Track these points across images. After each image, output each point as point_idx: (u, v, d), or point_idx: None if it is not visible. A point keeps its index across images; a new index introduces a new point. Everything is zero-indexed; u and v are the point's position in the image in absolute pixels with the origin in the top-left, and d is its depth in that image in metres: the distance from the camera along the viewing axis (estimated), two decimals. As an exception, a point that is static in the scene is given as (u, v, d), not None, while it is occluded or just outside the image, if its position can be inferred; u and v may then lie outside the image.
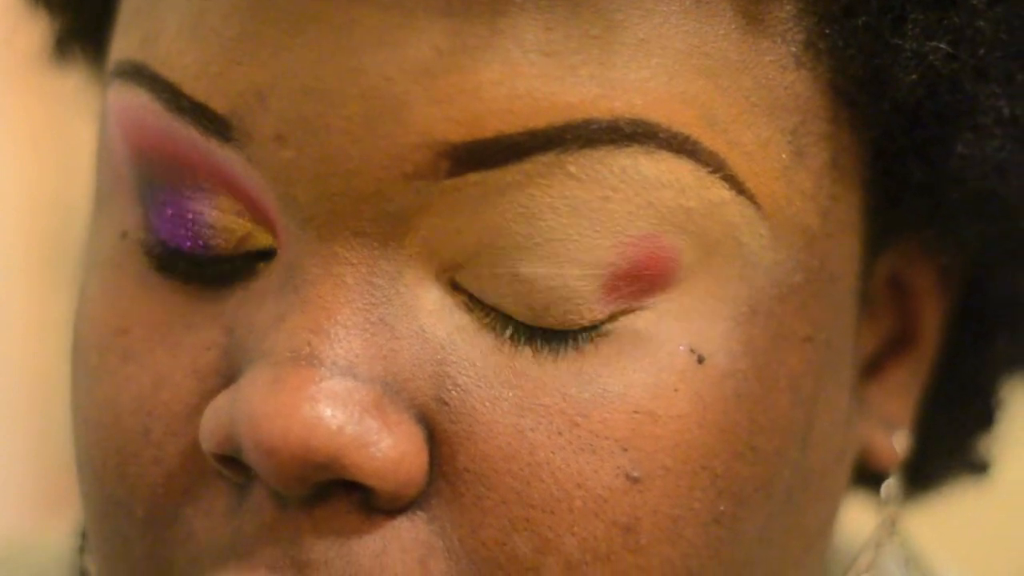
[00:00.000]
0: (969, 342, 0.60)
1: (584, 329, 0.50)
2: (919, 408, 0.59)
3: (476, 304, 0.50)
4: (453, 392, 0.50)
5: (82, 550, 0.58)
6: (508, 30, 0.48)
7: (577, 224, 0.49)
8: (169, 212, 0.52)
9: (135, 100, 0.52)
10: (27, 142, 1.56)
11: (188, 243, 0.52)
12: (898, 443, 0.58)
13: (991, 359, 0.62)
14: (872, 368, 0.58)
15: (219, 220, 0.51)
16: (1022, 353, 0.62)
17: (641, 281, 0.50)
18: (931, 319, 0.59)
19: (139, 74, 0.52)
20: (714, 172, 0.50)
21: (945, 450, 0.64)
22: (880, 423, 0.58)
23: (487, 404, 0.49)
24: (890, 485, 0.59)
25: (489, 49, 0.48)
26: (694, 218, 0.50)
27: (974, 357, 0.61)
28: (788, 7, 0.51)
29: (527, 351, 0.50)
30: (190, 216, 0.52)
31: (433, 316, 0.50)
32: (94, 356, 0.54)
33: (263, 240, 0.51)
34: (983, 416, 0.63)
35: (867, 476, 0.59)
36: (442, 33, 0.48)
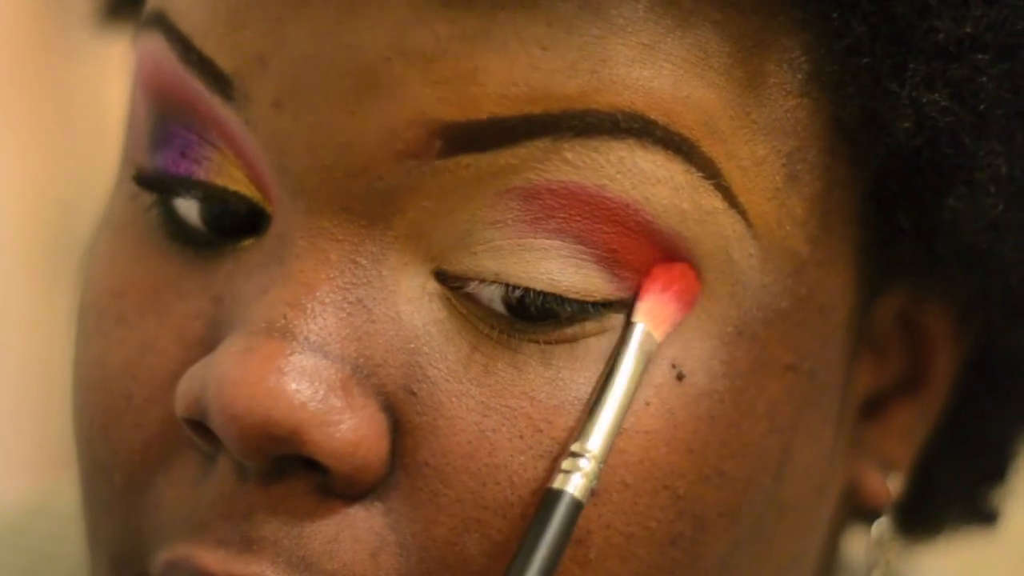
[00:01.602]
0: (983, 393, 0.60)
1: (575, 315, 0.49)
2: (927, 452, 0.59)
3: (459, 293, 0.50)
4: (422, 384, 0.50)
5: None
6: (508, 22, 0.49)
7: (576, 207, 0.49)
8: (177, 143, 0.53)
9: (155, 46, 0.53)
10: (28, 142, 1.56)
11: (186, 171, 0.52)
12: (893, 484, 0.57)
13: (1006, 412, 0.61)
14: (873, 406, 0.57)
15: (221, 161, 0.52)
16: None
17: (643, 275, 0.50)
18: (943, 365, 0.58)
19: (159, 22, 0.53)
20: (708, 179, 0.50)
21: (952, 497, 0.63)
22: (875, 462, 0.57)
23: (453, 399, 0.50)
24: (881, 524, 0.58)
25: (488, 39, 0.49)
26: (688, 223, 0.50)
27: (988, 408, 0.60)
28: (796, 37, 0.51)
29: (505, 350, 0.50)
30: (195, 149, 0.52)
31: (412, 304, 0.50)
32: (92, 317, 0.55)
33: (256, 195, 0.52)
34: (994, 467, 0.62)
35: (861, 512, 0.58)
36: (442, 20, 0.49)
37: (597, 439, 0.49)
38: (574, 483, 0.49)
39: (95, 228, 0.57)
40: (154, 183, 0.53)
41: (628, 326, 0.50)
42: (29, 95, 1.42)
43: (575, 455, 0.49)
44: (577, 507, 0.49)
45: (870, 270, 0.54)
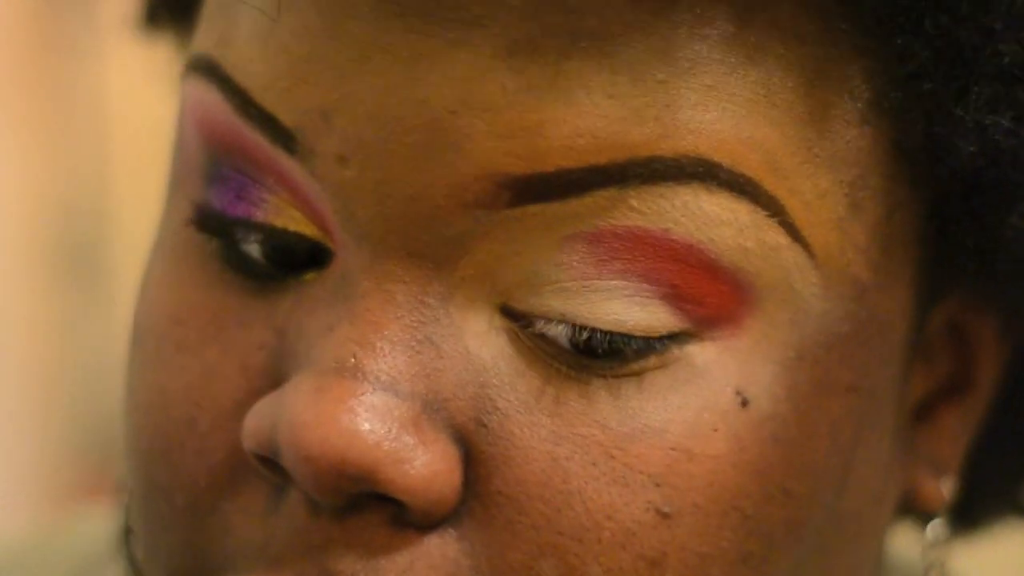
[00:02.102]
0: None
1: (641, 351, 0.50)
2: (971, 451, 0.59)
3: (525, 330, 0.50)
4: (493, 415, 0.50)
5: (128, 532, 0.58)
6: (573, 72, 0.49)
7: (641, 249, 0.50)
8: (233, 185, 0.53)
9: (208, 96, 0.53)
10: (28, 142, 1.56)
11: (244, 213, 0.52)
12: (945, 486, 0.58)
13: None
14: (924, 411, 0.58)
15: (279, 203, 0.52)
16: None
17: (705, 307, 0.50)
18: (988, 367, 0.59)
19: (213, 72, 0.53)
20: (772, 216, 0.50)
21: (997, 495, 0.64)
22: (929, 466, 0.58)
23: (525, 430, 0.50)
24: (937, 526, 0.59)
25: (553, 90, 0.49)
26: (751, 259, 0.50)
27: None
28: (857, 65, 0.51)
29: (575, 383, 0.50)
30: (252, 191, 0.52)
31: (479, 339, 0.51)
32: (151, 342, 0.55)
33: (317, 234, 0.52)
34: None
35: (914, 514, 0.59)
36: (507, 72, 0.49)
37: None
38: None
39: (149, 250, 0.57)
40: (212, 225, 0.53)
41: None
42: (29, 95, 1.42)
43: None
44: None
45: (928, 286, 0.55)
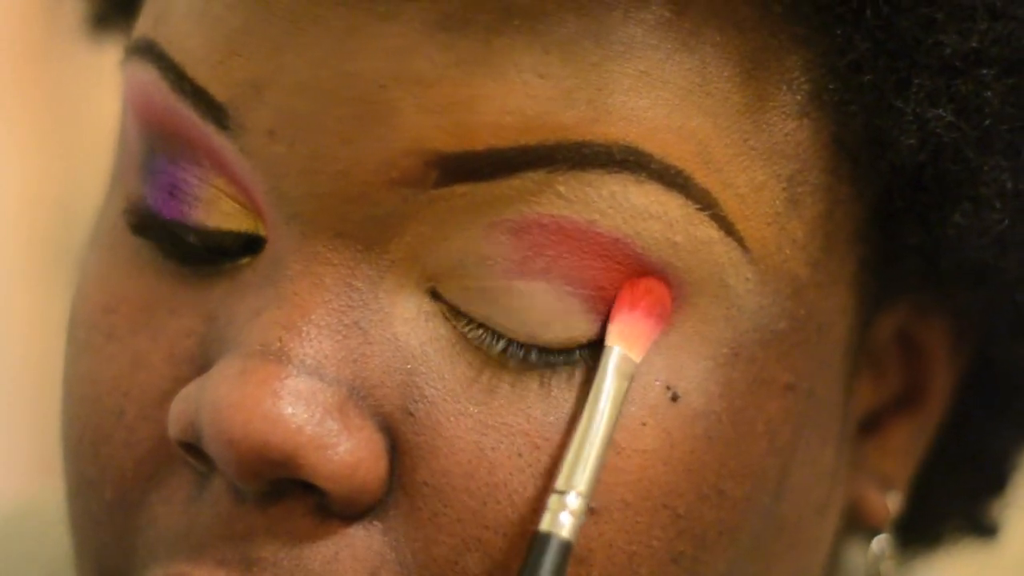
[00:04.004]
0: (981, 408, 0.59)
1: (568, 350, 0.49)
2: (926, 467, 0.58)
3: (457, 315, 0.50)
4: (420, 404, 0.49)
5: None
6: (504, 49, 0.48)
7: (566, 243, 0.49)
8: (165, 181, 0.52)
9: (145, 76, 0.52)
10: (28, 142, 1.56)
11: (178, 214, 0.52)
12: (891, 501, 0.57)
13: (1004, 427, 0.61)
14: (872, 423, 0.57)
15: (212, 197, 0.52)
16: None
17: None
18: (941, 381, 0.58)
19: (150, 51, 0.52)
20: (703, 210, 0.49)
21: (951, 511, 0.63)
22: (875, 479, 0.57)
23: (452, 419, 0.49)
24: (881, 541, 0.58)
25: (483, 65, 0.48)
26: (681, 254, 0.49)
27: (986, 423, 0.60)
28: (797, 56, 0.50)
29: (505, 372, 0.49)
30: (184, 188, 0.52)
31: (408, 324, 0.50)
32: (82, 332, 0.54)
33: (251, 225, 0.51)
34: (993, 481, 0.62)
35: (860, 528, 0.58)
36: (437, 46, 0.48)
37: (583, 475, 0.49)
38: (561, 524, 0.48)
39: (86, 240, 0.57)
40: (146, 227, 0.53)
41: (603, 351, 0.49)
42: (28, 97, 1.42)
43: (560, 492, 0.48)
44: (567, 549, 0.48)
45: (871, 288, 0.54)
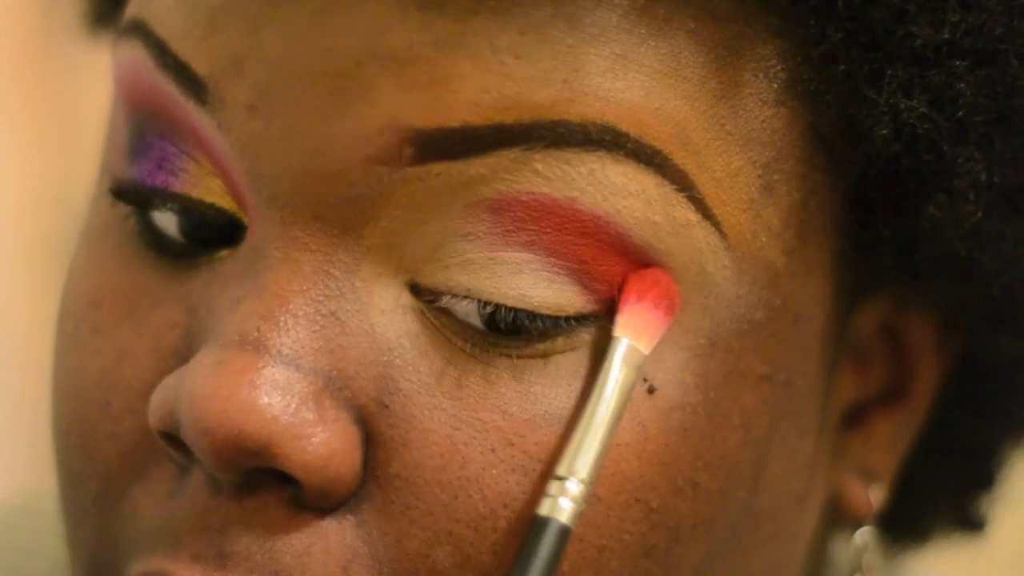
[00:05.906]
0: (967, 402, 0.59)
1: (547, 330, 0.49)
2: (913, 461, 0.58)
3: (432, 307, 0.50)
4: (395, 396, 0.50)
5: None
6: (480, 29, 0.48)
7: (547, 219, 0.49)
8: (155, 155, 0.53)
9: (133, 54, 0.53)
10: (26, 143, 1.56)
11: (163, 183, 0.52)
12: (874, 495, 0.57)
13: (991, 422, 0.61)
14: (856, 416, 0.57)
15: (198, 172, 0.52)
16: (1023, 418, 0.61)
17: (613, 287, 0.49)
18: (926, 376, 0.57)
19: (137, 29, 0.53)
20: (681, 191, 0.50)
21: (939, 505, 0.63)
22: (858, 473, 0.57)
23: (426, 412, 0.49)
24: (864, 534, 0.58)
25: (460, 45, 0.48)
26: (661, 235, 0.49)
27: (972, 417, 0.60)
28: (772, 45, 0.50)
29: (478, 364, 0.50)
30: (172, 161, 0.52)
31: (385, 316, 0.50)
32: (70, 326, 0.55)
33: (232, 206, 0.52)
34: (980, 475, 0.62)
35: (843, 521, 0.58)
36: (415, 25, 0.48)
37: (585, 462, 0.49)
38: (561, 508, 0.48)
39: (76, 237, 0.57)
40: (131, 195, 0.53)
41: (611, 341, 0.49)
42: (28, 96, 1.42)
43: (561, 479, 0.49)
44: (565, 533, 0.49)
45: (849, 279, 0.54)
